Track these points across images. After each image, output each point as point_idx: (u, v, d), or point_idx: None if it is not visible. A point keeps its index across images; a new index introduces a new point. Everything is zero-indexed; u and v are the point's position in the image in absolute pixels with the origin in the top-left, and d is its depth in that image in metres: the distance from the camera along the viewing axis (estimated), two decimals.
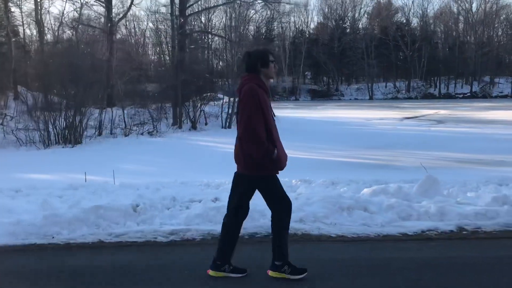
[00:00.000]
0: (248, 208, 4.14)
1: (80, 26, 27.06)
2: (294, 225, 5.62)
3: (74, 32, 24.54)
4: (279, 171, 3.97)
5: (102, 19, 28.27)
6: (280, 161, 3.86)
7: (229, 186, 8.63)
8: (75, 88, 16.95)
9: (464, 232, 5.40)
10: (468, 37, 60.99)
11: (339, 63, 60.36)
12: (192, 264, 4.43)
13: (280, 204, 3.99)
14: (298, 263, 4.03)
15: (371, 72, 58.78)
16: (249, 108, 3.71)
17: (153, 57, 50.30)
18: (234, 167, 11.44)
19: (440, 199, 6.41)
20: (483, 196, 6.50)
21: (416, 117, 29.25)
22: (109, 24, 24.30)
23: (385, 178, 9.01)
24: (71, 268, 4.41)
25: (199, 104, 22.16)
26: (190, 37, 37.87)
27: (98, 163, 13.23)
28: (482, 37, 59.27)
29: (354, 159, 13.70)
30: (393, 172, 11.00)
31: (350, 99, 58.40)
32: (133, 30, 56.97)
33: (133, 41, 60.02)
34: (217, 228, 5.61)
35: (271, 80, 4.12)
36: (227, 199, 6.75)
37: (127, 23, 61.42)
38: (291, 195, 7.10)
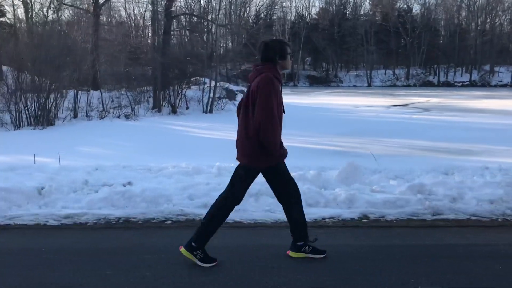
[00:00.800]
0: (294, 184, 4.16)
1: (67, 7, 26.84)
2: (195, 211, 5.53)
3: (56, 13, 24.32)
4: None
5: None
6: (282, 155, 3.93)
7: (173, 170, 8.55)
8: (46, 69, 16.78)
9: (364, 220, 5.27)
10: (470, 25, 60.17)
11: (338, 49, 59.86)
12: (60, 248, 4.33)
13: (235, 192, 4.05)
14: (169, 248, 4.06)
15: (370, 59, 58.27)
16: (268, 97, 3.67)
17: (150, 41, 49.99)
18: (197, 151, 11.31)
19: (357, 186, 6.28)
20: (403, 184, 6.34)
21: (405, 104, 28.95)
22: (86, 6, 24.00)
23: (333, 164, 8.88)
24: None
25: (179, 88, 21.96)
26: (190, 21, 37.51)
27: (60, 145, 13.11)
28: (484, 24, 58.50)
29: (320, 146, 13.53)
30: (348, 158, 10.83)
31: (349, 86, 57.99)
32: (132, 12, 56.72)
33: (133, 24, 59.76)
34: (116, 212, 5.53)
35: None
36: (141, 183, 6.67)
37: (127, 5, 61.09)
38: (215, 180, 7.01)
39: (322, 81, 60.12)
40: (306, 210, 5.65)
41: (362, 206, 5.62)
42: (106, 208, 5.63)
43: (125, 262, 3.96)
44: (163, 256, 4.07)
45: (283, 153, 3.92)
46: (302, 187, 6.03)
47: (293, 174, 6.70)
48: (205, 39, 25.78)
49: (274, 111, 3.67)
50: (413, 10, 62.01)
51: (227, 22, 60.11)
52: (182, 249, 3.91)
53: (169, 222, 5.21)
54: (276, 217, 5.36)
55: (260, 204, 5.69)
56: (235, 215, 5.40)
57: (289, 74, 60.64)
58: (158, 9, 22.20)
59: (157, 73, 21.34)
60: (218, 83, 22.86)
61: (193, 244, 3.89)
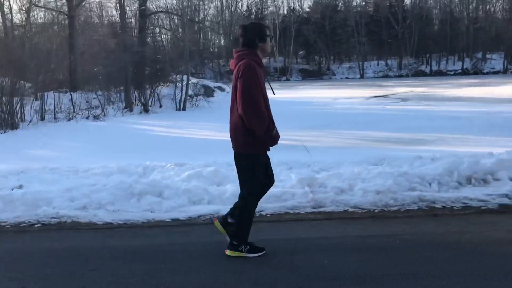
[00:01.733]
0: (266, 184, 4.05)
1: (41, 10, 26.79)
2: (71, 213, 5.43)
3: (26, 15, 24.23)
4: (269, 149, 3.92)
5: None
6: (275, 139, 3.84)
7: (99, 171, 8.42)
8: (8, 72, 16.76)
9: None
10: (462, 13, 59.58)
11: (330, 41, 59.51)
12: None
13: (251, 187, 3.88)
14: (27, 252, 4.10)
15: (362, 50, 57.92)
16: (249, 84, 3.65)
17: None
18: (153, 151, 11.15)
19: None
20: (297, 177, 6.20)
21: (387, 95, 28.68)
22: (61, 8, 23.93)
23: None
24: None
25: (151, 87, 21.87)
26: (182, 19, 37.45)
27: (12, 148, 13.12)
28: (476, 12, 57.97)
29: None
30: (291, 153, 10.70)
31: (342, 78, 57.54)
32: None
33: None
34: None
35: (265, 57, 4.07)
36: (34, 186, 6.56)
37: (117, 5, 60.94)
38: (127, 179, 6.86)
39: (314, 74, 59.75)
40: (188, 208, 5.58)
41: None
42: None
43: None
44: None
45: (274, 136, 3.80)
46: (188, 184, 5.95)
47: (189, 171, 6.61)
48: (180, 37, 25.74)
49: (256, 97, 3.63)
50: (405, 0, 61.57)
51: (220, 18, 60.41)
52: (228, 252, 3.92)
53: (38, 225, 5.11)
54: (151, 217, 5.24)
55: (141, 204, 5.57)
56: (107, 216, 5.31)
57: (281, 68, 60.46)
58: (126, 8, 22.03)
59: (127, 72, 21.26)
60: (190, 80, 22.77)
61: (234, 243, 3.90)
